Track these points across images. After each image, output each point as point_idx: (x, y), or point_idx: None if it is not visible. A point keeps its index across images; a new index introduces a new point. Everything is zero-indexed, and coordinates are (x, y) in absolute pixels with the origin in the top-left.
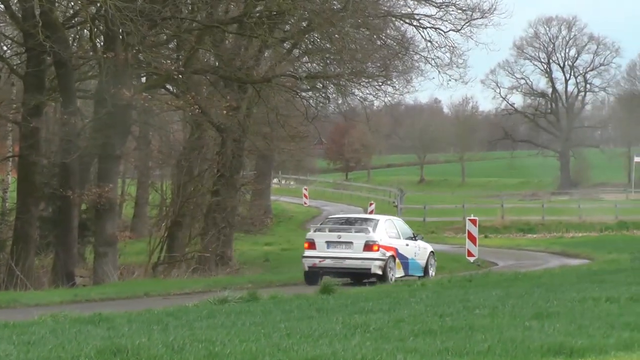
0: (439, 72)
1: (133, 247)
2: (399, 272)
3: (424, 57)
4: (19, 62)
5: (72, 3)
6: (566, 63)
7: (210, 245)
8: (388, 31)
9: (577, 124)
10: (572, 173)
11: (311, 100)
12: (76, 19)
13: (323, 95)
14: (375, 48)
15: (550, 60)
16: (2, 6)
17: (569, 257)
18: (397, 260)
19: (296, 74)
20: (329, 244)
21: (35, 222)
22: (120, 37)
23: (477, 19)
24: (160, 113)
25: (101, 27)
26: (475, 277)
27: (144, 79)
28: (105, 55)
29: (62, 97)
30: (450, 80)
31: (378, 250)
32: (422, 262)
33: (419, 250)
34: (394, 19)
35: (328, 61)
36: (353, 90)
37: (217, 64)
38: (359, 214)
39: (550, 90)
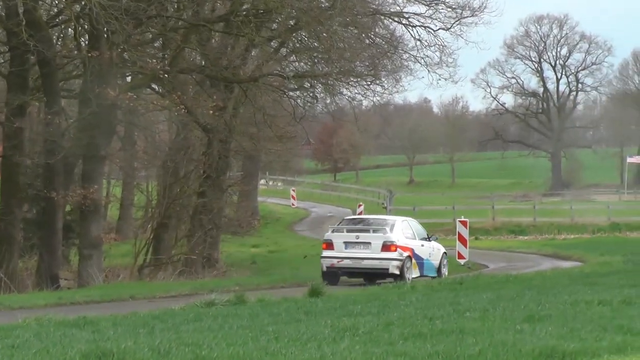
0: (428, 71)
1: (118, 249)
2: (415, 273)
3: (413, 56)
4: (2, 61)
5: (56, 1)
6: (557, 62)
7: (197, 248)
8: (377, 30)
9: (568, 124)
10: (563, 174)
11: (299, 100)
12: (60, 18)
13: (311, 94)
14: (363, 47)
15: (542, 59)
16: None
17: (561, 259)
18: (413, 260)
19: (283, 73)
20: (347, 244)
21: (19, 224)
22: (105, 35)
23: (467, 17)
24: (145, 113)
25: (85, 26)
26: (466, 279)
27: (129, 79)
28: (89, 54)
29: (46, 97)
30: (439, 79)
31: (396, 250)
32: (436, 263)
33: (433, 251)
34: (382, 17)
35: (316, 60)
36: (341, 90)
37: (203, 63)
38: (376, 215)
39: (541, 89)
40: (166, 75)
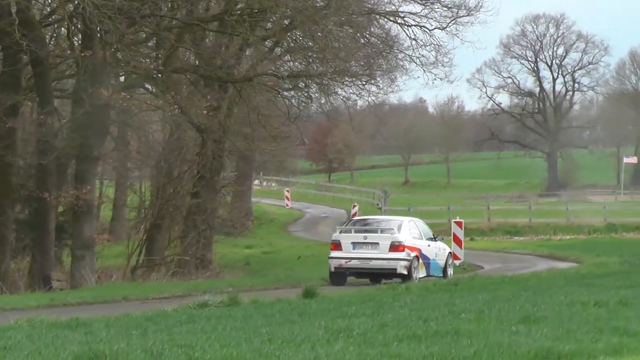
0: (423, 71)
1: (111, 250)
2: (422, 273)
3: (409, 55)
4: None
5: (49, 0)
6: (554, 62)
7: (190, 248)
8: (372, 29)
9: (565, 124)
10: (560, 174)
11: (293, 100)
12: (53, 17)
13: (305, 94)
14: (358, 46)
15: (538, 59)
16: None
17: (557, 260)
18: (421, 260)
19: (278, 73)
20: (355, 244)
21: (11, 225)
22: (98, 35)
23: (462, 16)
24: (139, 113)
25: (79, 25)
26: (461, 280)
27: (122, 78)
28: (82, 54)
29: (39, 97)
30: (435, 79)
31: (403, 250)
32: (442, 263)
33: (439, 251)
34: (378, 16)
35: (310, 60)
36: (336, 90)
37: (197, 62)
38: (383, 216)
39: (537, 89)
40: (160, 75)
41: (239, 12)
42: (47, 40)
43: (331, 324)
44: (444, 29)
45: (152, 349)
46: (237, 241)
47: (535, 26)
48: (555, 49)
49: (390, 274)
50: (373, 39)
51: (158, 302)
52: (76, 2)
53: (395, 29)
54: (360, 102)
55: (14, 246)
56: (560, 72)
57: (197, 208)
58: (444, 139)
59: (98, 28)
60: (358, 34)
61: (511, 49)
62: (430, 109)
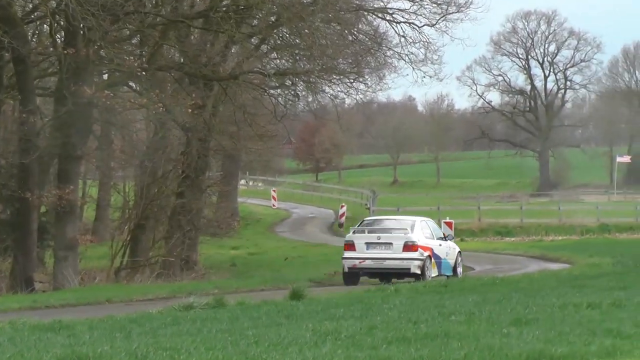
0: (413, 68)
1: (94, 251)
2: (434, 272)
3: (398, 53)
4: None
5: None
6: (545, 59)
7: (175, 249)
8: (360, 26)
9: (556, 123)
10: (551, 174)
11: (280, 98)
12: (35, 14)
13: (292, 92)
14: (346, 44)
15: (529, 56)
16: None
17: (549, 261)
18: (433, 260)
19: (264, 70)
20: (369, 245)
21: None
22: (82, 32)
23: (452, 13)
24: (122, 111)
25: (61, 22)
26: (451, 282)
27: (105, 76)
28: (65, 52)
29: (21, 95)
30: (424, 77)
31: (417, 250)
32: (452, 262)
33: (450, 250)
34: (366, 13)
35: (297, 57)
36: (323, 88)
37: (182, 60)
38: (395, 216)
39: (528, 87)
40: (144, 73)
41: (224, 8)
42: (29, 38)
43: (319, 327)
44: (433, 25)
45: (136, 351)
46: (222, 242)
47: (526, 23)
48: (546, 46)
49: (404, 273)
50: (361, 36)
51: (142, 304)
52: None
53: (383, 25)
54: (348, 101)
55: None
56: (551, 70)
57: (182, 208)
58: (434, 137)
59: (81, 25)
60: (346, 31)
61: (502, 46)
62: (420, 107)
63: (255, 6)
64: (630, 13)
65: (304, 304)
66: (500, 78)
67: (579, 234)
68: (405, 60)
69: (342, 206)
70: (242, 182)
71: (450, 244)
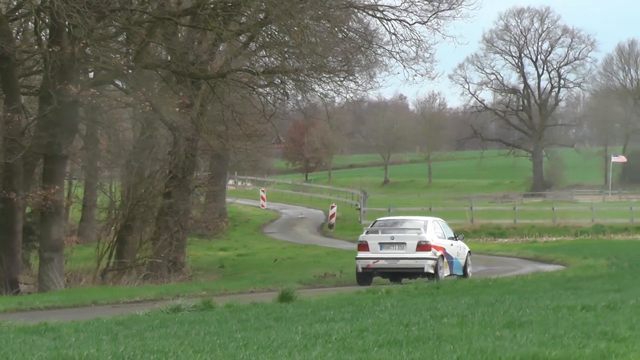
0: (404, 66)
1: (80, 252)
2: (446, 271)
3: (388, 51)
4: None
5: None
6: (539, 57)
7: (162, 251)
8: (350, 23)
9: (550, 122)
10: (545, 174)
11: (269, 97)
12: (20, 11)
13: (281, 91)
14: (336, 41)
15: (522, 54)
16: None
17: (543, 263)
18: (445, 259)
19: (253, 69)
20: (382, 245)
21: None
22: (67, 30)
23: (444, 10)
24: (109, 110)
25: (46, 20)
26: (443, 284)
27: (91, 75)
28: (50, 49)
29: (5, 94)
30: (416, 75)
31: (430, 250)
32: (462, 262)
33: (460, 250)
34: (356, 10)
35: (286, 55)
36: (313, 86)
37: (169, 58)
38: (406, 216)
39: (522, 86)
40: (130, 71)
41: (212, 5)
42: (14, 35)
43: (309, 329)
44: (424, 23)
45: (123, 354)
46: (210, 243)
47: (519, 20)
48: (540, 44)
49: (418, 273)
50: (351, 33)
51: (129, 306)
52: None
53: (374, 23)
54: (338, 99)
55: None
56: (545, 68)
57: (169, 209)
58: (425, 137)
59: (66, 22)
60: (336, 29)
61: (494, 44)
62: (411, 106)
63: (244, 3)
64: (625, 11)
65: (294, 306)
66: (493, 76)
67: (573, 235)
68: (396, 59)
69: (332, 207)
70: (231, 182)
71: (461, 243)
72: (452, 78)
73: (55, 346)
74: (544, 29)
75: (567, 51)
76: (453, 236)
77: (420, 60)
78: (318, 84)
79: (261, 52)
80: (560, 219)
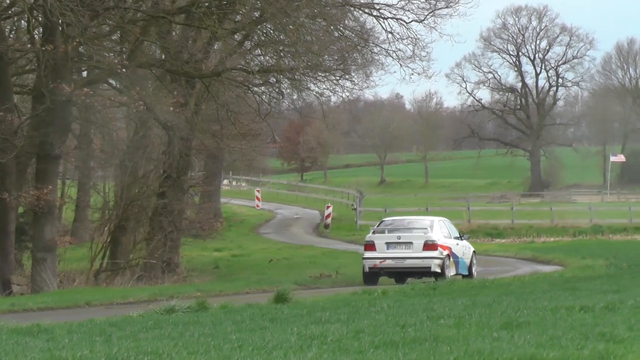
0: (400, 65)
1: (74, 253)
2: (452, 271)
3: (385, 49)
4: None
5: None
6: (537, 56)
7: (156, 251)
8: (346, 22)
9: (548, 121)
10: (543, 173)
11: (264, 96)
12: (13, 9)
13: (277, 90)
14: (332, 40)
15: (520, 53)
16: None
17: (541, 263)
18: (451, 259)
19: (248, 67)
20: (389, 244)
21: None
22: (60, 28)
23: (441, 8)
24: (102, 110)
25: (40, 18)
26: (440, 284)
27: (85, 73)
28: (43, 48)
29: None
30: (412, 74)
31: (437, 249)
32: (468, 261)
33: (466, 250)
34: (352, 8)
35: (282, 54)
36: (309, 85)
37: (163, 57)
38: (412, 216)
39: (519, 84)
40: (124, 70)
41: (206, 4)
42: (7, 34)
43: (304, 330)
44: (421, 21)
45: (116, 356)
46: (205, 244)
47: (517, 18)
48: (538, 42)
49: (425, 272)
50: (347, 32)
51: (123, 307)
52: None
53: (370, 21)
54: (334, 98)
55: None
56: (543, 67)
57: (163, 209)
58: (422, 136)
59: (60, 21)
60: (331, 27)
61: (492, 43)
62: (408, 105)
63: (238, 1)
64: (624, 9)
65: (289, 307)
66: (490, 75)
67: (571, 236)
68: (392, 57)
69: (328, 207)
70: (225, 182)
71: (466, 243)
72: (449, 77)
73: (48, 348)
74: (542, 27)
75: (566, 50)
76: (458, 236)
77: (417, 59)
78: (314, 83)
79: (256, 51)
80: (559, 219)
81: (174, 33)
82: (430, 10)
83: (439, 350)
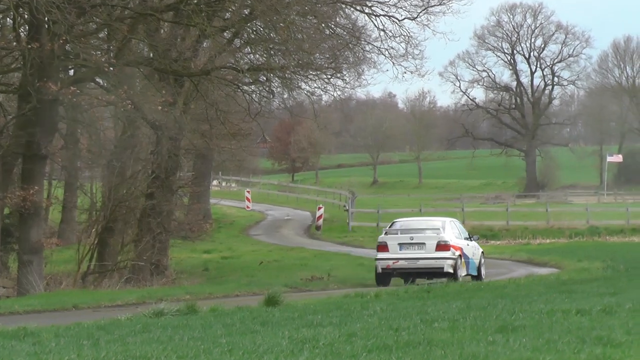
0: (393, 63)
1: (60, 255)
2: (463, 271)
3: (377, 47)
4: None
5: None
6: (532, 54)
7: (145, 253)
8: (337, 19)
9: (543, 121)
10: (538, 174)
11: (254, 95)
12: None
13: (267, 89)
14: (323, 38)
15: (515, 51)
16: None
17: (536, 266)
18: (462, 259)
19: (237, 66)
20: (402, 245)
21: None
22: (46, 26)
23: (434, 5)
24: (89, 109)
25: (25, 15)
26: (434, 287)
27: (72, 72)
28: (29, 46)
29: None
30: (405, 72)
31: (449, 249)
32: (477, 262)
33: (475, 250)
34: (344, 5)
35: (272, 52)
36: (299, 84)
37: (151, 55)
38: (424, 217)
39: (514, 83)
40: (111, 69)
41: (195, 1)
42: None
43: (296, 334)
44: (414, 19)
45: None
46: (194, 245)
47: (511, 16)
48: (533, 40)
49: (437, 273)
50: (339, 29)
51: (111, 310)
52: None
53: (362, 19)
54: (325, 97)
55: None
56: (538, 65)
57: (151, 210)
58: (415, 136)
59: (46, 18)
60: (323, 25)
61: (486, 41)
62: (400, 105)
63: None
64: (621, 6)
65: (280, 310)
66: (484, 74)
67: (567, 237)
68: (385, 55)
69: (320, 208)
70: (215, 182)
71: (475, 244)
72: (442, 75)
73: (35, 351)
74: (537, 25)
75: (561, 48)
76: (468, 236)
77: (410, 57)
78: (305, 82)
79: (246, 49)
80: (554, 221)
81: (162, 31)
82: (423, 8)
83: (433, 355)
